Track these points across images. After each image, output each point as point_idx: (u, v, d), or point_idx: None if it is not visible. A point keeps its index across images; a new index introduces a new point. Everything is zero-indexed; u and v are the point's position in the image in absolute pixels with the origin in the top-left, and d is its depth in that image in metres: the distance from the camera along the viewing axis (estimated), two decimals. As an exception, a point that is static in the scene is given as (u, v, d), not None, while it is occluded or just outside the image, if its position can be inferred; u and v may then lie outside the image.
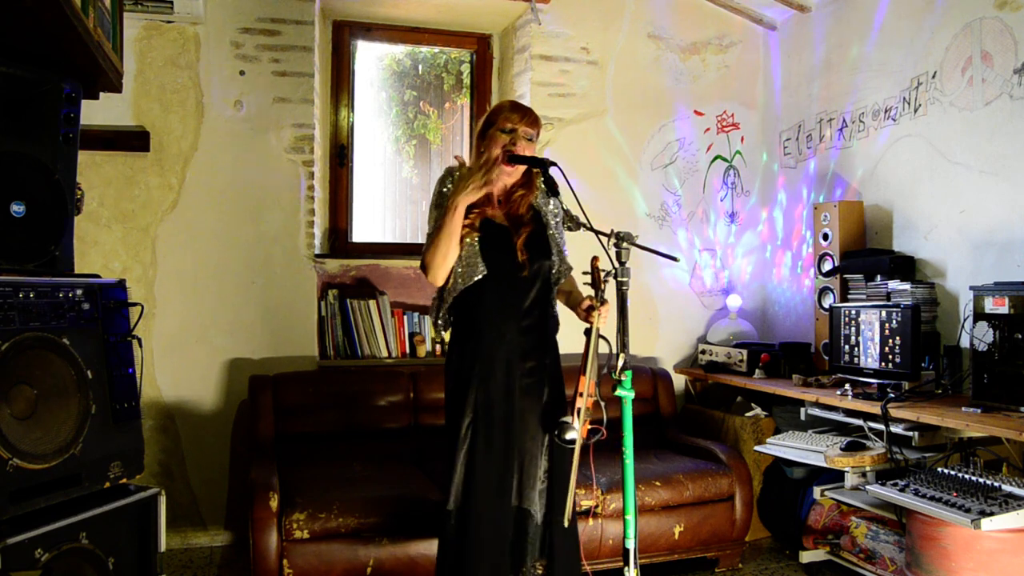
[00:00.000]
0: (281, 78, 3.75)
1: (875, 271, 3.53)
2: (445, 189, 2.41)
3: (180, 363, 3.65)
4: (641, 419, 3.59)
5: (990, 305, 2.77)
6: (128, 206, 3.60)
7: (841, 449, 3.09)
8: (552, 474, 2.43)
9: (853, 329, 3.40)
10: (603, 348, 2.28)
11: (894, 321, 3.19)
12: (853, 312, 3.41)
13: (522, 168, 2.41)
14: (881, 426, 3.01)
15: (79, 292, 2.03)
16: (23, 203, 1.97)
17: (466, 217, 2.35)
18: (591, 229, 2.22)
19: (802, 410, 3.51)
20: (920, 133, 3.51)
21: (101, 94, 2.50)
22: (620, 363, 2.10)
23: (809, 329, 4.05)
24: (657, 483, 3.27)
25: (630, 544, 2.08)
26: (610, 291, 2.23)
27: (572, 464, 2.27)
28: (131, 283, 2.72)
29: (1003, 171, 3.13)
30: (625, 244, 2.13)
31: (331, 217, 4.15)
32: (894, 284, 3.42)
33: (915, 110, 3.53)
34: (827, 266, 3.81)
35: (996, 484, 2.47)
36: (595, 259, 2.30)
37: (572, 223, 2.31)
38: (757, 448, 3.57)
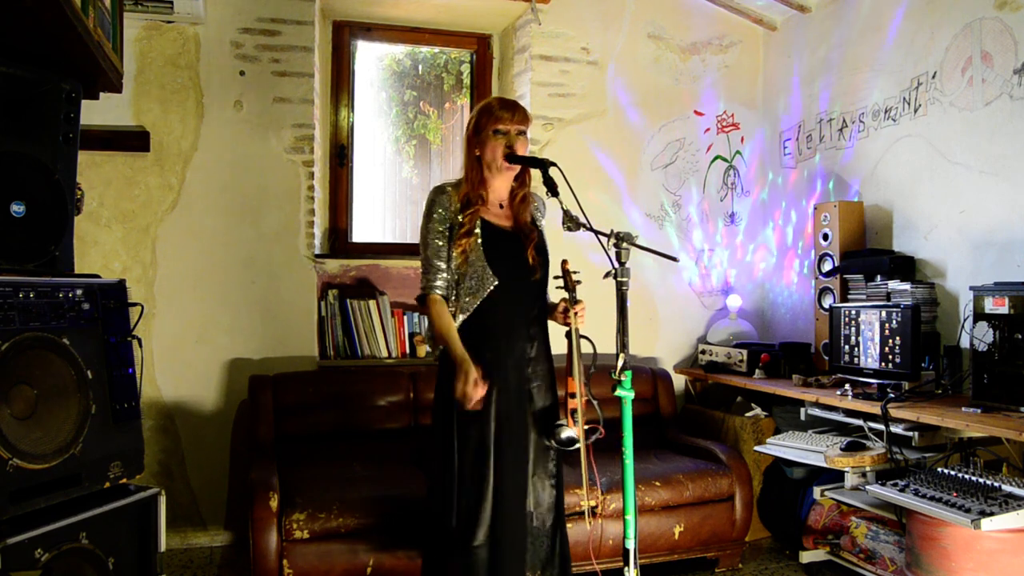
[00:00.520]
0: (281, 78, 3.75)
1: (875, 271, 3.53)
2: (435, 214, 2.37)
3: (180, 363, 3.65)
4: (641, 419, 3.59)
5: (990, 305, 2.77)
6: (128, 206, 3.60)
7: (841, 449, 3.09)
8: (559, 481, 2.43)
9: (853, 329, 3.40)
10: (586, 349, 2.30)
11: (894, 321, 3.19)
12: (853, 312, 3.41)
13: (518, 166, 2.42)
14: (881, 426, 3.01)
15: (79, 292, 2.03)
16: (23, 203, 1.97)
17: (463, 217, 2.34)
18: (591, 229, 2.22)
19: (802, 410, 3.51)
20: (920, 133, 3.51)
21: (101, 94, 2.51)
22: (620, 363, 2.10)
23: (809, 329, 4.05)
24: (657, 483, 3.27)
25: (630, 544, 2.08)
26: (610, 291, 2.23)
27: (581, 463, 2.28)
28: (131, 283, 2.72)
29: (1003, 171, 3.13)
30: (625, 244, 2.13)
31: (331, 217, 4.15)
32: (894, 284, 3.41)
33: (915, 110, 3.53)
34: (827, 266, 3.81)
35: (996, 484, 2.47)
36: (565, 262, 2.34)
37: (572, 223, 2.32)
38: (757, 448, 3.57)
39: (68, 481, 1.91)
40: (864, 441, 3.13)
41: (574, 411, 2.28)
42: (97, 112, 3.36)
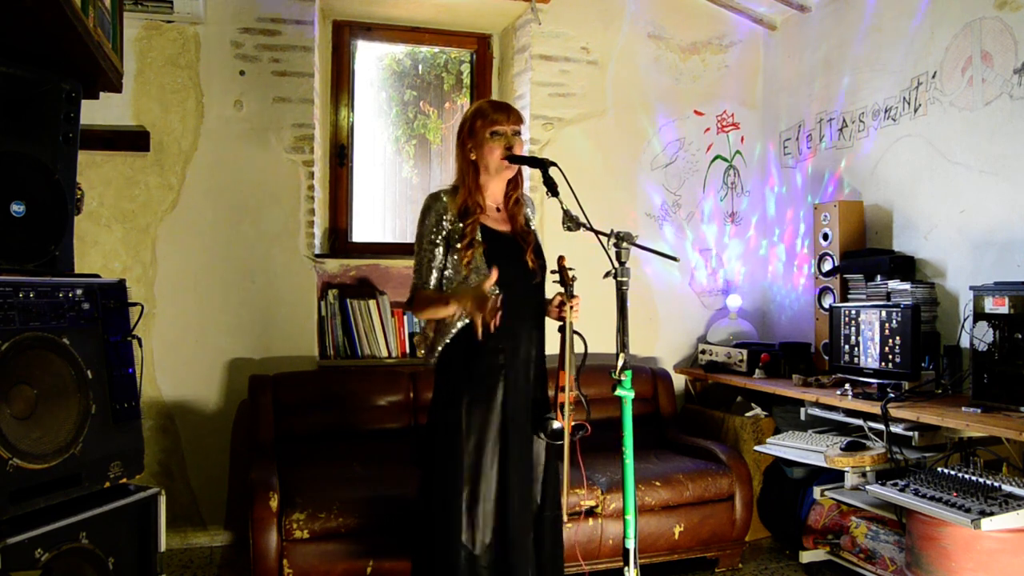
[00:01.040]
0: (281, 78, 3.75)
1: (875, 271, 3.53)
2: (430, 221, 2.36)
3: (180, 363, 3.64)
4: (641, 419, 3.59)
5: (990, 305, 2.77)
6: (128, 206, 3.60)
7: (841, 449, 3.09)
8: (547, 470, 2.45)
9: (853, 329, 3.40)
10: (578, 346, 2.30)
11: (894, 321, 3.19)
12: (853, 312, 3.41)
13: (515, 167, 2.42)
14: (881, 426, 3.01)
15: (79, 292, 2.03)
16: (23, 203, 1.97)
17: (464, 225, 2.34)
18: (591, 229, 2.22)
19: (802, 410, 3.51)
20: (920, 133, 3.51)
21: (101, 94, 2.50)
22: (620, 363, 2.10)
23: (809, 329, 4.05)
24: (657, 483, 3.27)
25: (630, 544, 2.08)
26: (610, 291, 2.22)
27: (564, 459, 2.30)
28: (131, 283, 2.72)
29: (1003, 171, 3.13)
30: (625, 244, 2.12)
31: (331, 217, 4.15)
32: (894, 284, 3.41)
33: (915, 110, 3.53)
34: (827, 266, 3.81)
35: (996, 484, 2.47)
36: (561, 258, 2.35)
37: (572, 223, 2.32)
38: (757, 448, 3.57)
39: (68, 481, 1.91)
40: (864, 441, 3.13)
41: (563, 405, 2.29)
42: (97, 112, 3.37)
